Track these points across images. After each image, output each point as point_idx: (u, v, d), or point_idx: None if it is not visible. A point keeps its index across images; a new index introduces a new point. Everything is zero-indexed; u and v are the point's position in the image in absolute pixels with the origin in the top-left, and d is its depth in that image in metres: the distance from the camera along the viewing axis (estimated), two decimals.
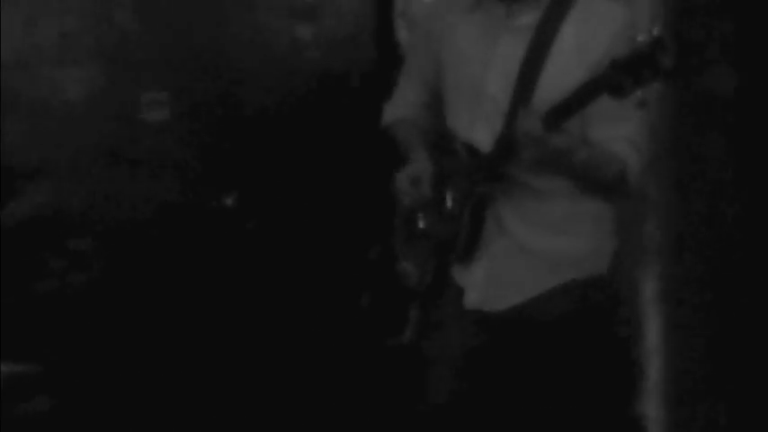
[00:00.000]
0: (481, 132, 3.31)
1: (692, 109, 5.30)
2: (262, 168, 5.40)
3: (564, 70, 3.21)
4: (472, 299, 3.38)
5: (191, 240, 5.30)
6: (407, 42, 3.53)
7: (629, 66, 2.91)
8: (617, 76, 2.93)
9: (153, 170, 5.32)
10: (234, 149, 5.37)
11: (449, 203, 3.36)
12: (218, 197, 5.37)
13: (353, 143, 5.31)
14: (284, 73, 5.46)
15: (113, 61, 5.28)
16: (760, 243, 5.31)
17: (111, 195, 5.25)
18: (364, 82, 5.42)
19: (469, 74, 3.33)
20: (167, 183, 5.33)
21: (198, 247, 5.30)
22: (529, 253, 3.34)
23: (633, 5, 4.95)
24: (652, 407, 5.06)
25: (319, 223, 5.31)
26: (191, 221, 5.32)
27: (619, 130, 3.25)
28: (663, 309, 5.08)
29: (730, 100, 5.36)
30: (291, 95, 5.44)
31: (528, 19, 3.28)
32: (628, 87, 2.94)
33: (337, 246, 5.22)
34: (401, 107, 3.59)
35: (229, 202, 5.35)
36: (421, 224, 3.43)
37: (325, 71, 5.48)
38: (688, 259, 5.22)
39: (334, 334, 5.18)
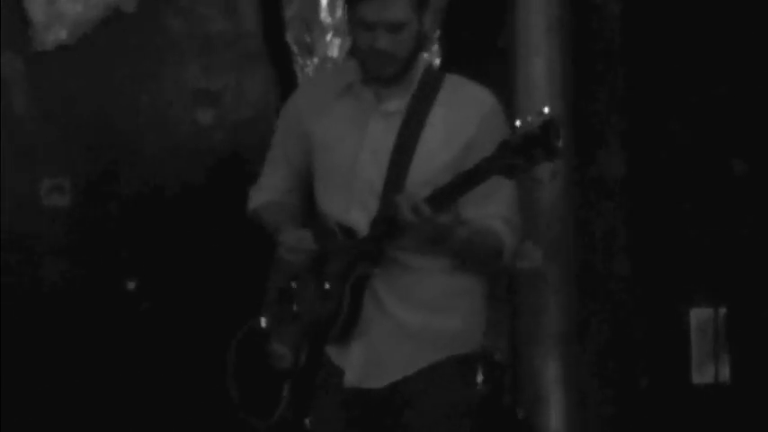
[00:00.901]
0: (356, 214, 3.33)
1: (588, 194, 5.39)
2: (164, 251, 5.37)
3: (434, 152, 3.27)
4: (351, 378, 3.38)
5: (91, 323, 5.26)
6: (277, 124, 3.54)
7: (521, 146, 2.97)
8: (508, 158, 2.99)
9: (54, 255, 5.28)
10: (135, 233, 5.34)
11: (326, 283, 3.34)
12: (119, 281, 5.33)
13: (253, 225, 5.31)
14: (186, 157, 5.45)
15: (10, 147, 5.26)
16: (657, 324, 5.39)
17: (12, 282, 5.19)
18: None
19: (342, 158, 3.37)
20: (66, 267, 5.29)
21: (99, 329, 5.26)
22: (407, 331, 3.35)
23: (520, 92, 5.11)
24: None
25: (223, 302, 5.30)
26: (92, 305, 5.28)
27: (490, 209, 3.31)
28: (564, 390, 5.11)
29: (621, 185, 5.46)
30: (194, 179, 5.44)
31: (397, 104, 3.33)
32: (519, 167, 3.00)
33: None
34: (267, 191, 3.58)
35: (131, 286, 5.32)
36: (295, 306, 3.41)
37: (226, 155, 5.48)
38: (588, 342, 5.28)
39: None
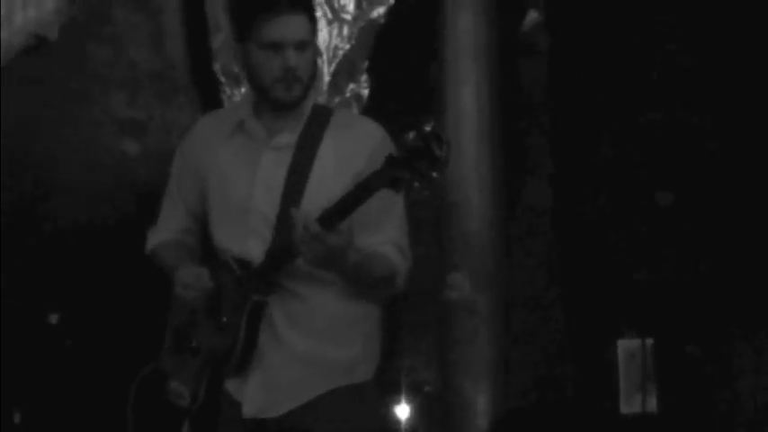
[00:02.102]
0: (252, 247, 3.37)
1: (518, 225, 5.41)
2: (87, 286, 5.30)
3: (326, 183, 3.29)
4: (248, 409, 3.38)
5: (12, 357, 5.16)
6: (172, 168, 3.59)
7: (406, 159, 3.02)
8: (394, 171, 3.04)
9: None
10: (59, 266, 5.27)
11: (224, 316, 3.36)
12: (42, 315, 5.25)
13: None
14: (111, 187, 5.40)
15: None
16: (586, 355, 5.41)
17: None
18: None
19: (236, 193, 3.42)
20: None
21: (21, 362, 5.17)
22: (301, 359, 3.38)
23: None
24: None
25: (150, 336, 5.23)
26: (13, 338, 5.19)
27: (382, 236, 3.36)
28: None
29: (550, 217, 5.50)
30: (119, 210, 5.38)
31: (288, 138, 3.40)
32: (405, 180, 3.04)
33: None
34: (163, 232, 3.62)
35: (53, 319, 5.24)
36: (194, 342, 3.42)
37: (152, 186, 5.43)
38: (517, 373, 5.29)
39: None
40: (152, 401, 3.44)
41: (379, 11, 5.43)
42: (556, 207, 5.52)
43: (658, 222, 5.32)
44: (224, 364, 3.37)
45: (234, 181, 3.41)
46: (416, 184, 3.01)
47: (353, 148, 3.31)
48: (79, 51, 5.44)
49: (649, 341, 5.36)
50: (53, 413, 5.21)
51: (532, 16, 5.55)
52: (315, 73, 3.38)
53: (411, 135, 2.99)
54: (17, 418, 5.15)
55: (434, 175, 2.99)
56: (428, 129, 2.99)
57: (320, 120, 3.40)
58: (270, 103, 3.38)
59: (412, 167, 3.00)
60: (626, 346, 5.41)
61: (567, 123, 5.50)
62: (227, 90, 5.50)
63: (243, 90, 5.47)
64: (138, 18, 5.52)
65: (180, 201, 3.57)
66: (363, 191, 3.12)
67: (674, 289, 5.36)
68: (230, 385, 3.41)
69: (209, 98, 5.52)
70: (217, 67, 5.51)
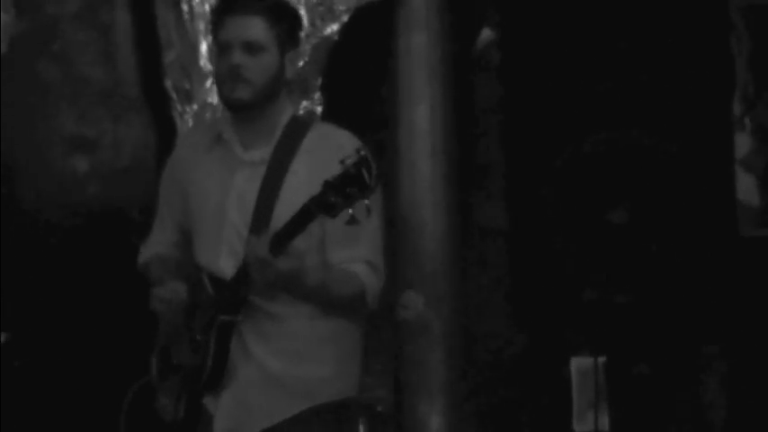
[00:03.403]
0: (225, 262, 3.40)
1: (472, 243, 5.41)
2: (36, 304, 5.23)
3: (297, 198, 3.28)
4: (219, 426, 3.41)
5: None
6: (160, 183, 3.63)
7: (339, 185, 3.05)
8: (328, 196, 3.07)
9: None
10: (9, 284, 5.20)
11: (197, 334, 3.40)
12: None
13: (135, 276, 5.21)
14: (61, 205, 5.34)
15: None
16: (539, 373, 5.41)
17: None
18: (145, 215, 5.33)
19: (211, 205, 3.46)
20: None
21: None
22: (272, 378, 3.40)
23: None
24: None
25: (99, 356, 5.19)
26: None
27: (353, 252, 3.38)
28: None
29: (506, 232, 5.50)
30: (69, 228, 5.33)
31: (261, 153, 3.43)
32: (339, 206, 3.06)
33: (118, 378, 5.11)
34: (154, 246, 3.68)
35: (2, 338, 5.18)
36: (174, 358, 3.47)
37: (102, 203, 5.39)
38: (471, 394, 5.28)
39: None
40: (144, 415, 3.51)
41: (333, 28, 5.40)
42: (510, 225, 5.52)
43: (612, 240, 5.34)
44: (198, 381, 3.40)
45: (210, 194, 3.46)
46: (350, 210, 3.04)
47: (326, 161, 3.29)
48: (27, 67, 5.38)
49: (602, 359, 5.37)
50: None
51: (486, 33, 5.55)
52: (272, 79, 3.40)
53: (346, 161, 3.03)
54: None
55: (365, 202, 3.03)
56: (361, 154, 3.03)
57: (295, 134, 3.44)
58: (226, 107, 3.43)
59: (344, 193, 3.04)
60: (579, 363, 5.41)
61: (521, 141, 5.50)
62: (179, 107, 5.45)
63: (194, 107, 5.44)
64: (89, 34, 5.47)
65: (167, 215, 3.63)
66: (304, 215, 3.15)
67: (626, 306, 5.38)
68: (208, 401, 3.44)
69: (160, 115, 5.47)
70: (168, 83, 5.46)
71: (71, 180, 5.40)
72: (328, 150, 3.35)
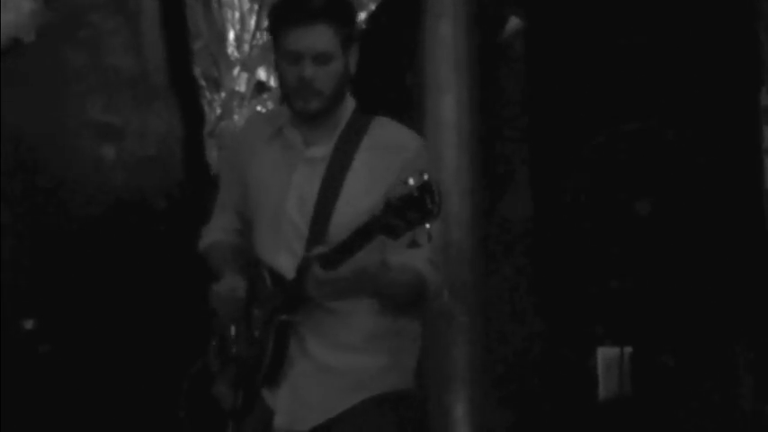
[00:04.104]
0: (284, 258, 3.38)
1: (496, 234, 5.41)
2: (63, 291, 5.26)
3: (357, 198, 3.29)
4: (280, 421, 3.41)
5: None
6: (219, 167, 3.60)
7: (399, 208, 3.00)
8: (389, 218, 3.02)
9: None
10: (36, 272, 5.23)
11: (255, 330, 3.40)
12: (16, 320, 5.21)
13: (160, 264, 5.24)
14: (88, 192, 5.36)
15: None
16: (560, 368, 5.42)
17: None
18: (171, 203, 5.36)
19: (270, 201, 3.44)
20: None
21: None
22: (331, 373, 3.39)
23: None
24: None
25: (124, 343, 5.21)
26: None
27: (415, 253, 3.29)
28: (472, 429, 5.10)
29: (528, 226, 5.50)
30: (95, 215, 5.34)
31: (323, 150, 3.39)
32: (400, 229, 3.02)
33: (143, 366, 5.14)
34: (215, 232, 3.66)
35: (29, 325, 5.21)
36: (234, 348, 3.47)
37: (129, 191, 5.41)
38: (496, 383, 5.28)
39: None
40: (202, 399, 3.53)
41: (360, 16, 5.41)
42: (535, 215, 5.52)
43: (637, 231, 5.33)
44: (255, 374, 3.41)
45: (268, 188, 3.44)
46: (409, 233, 3.00)
47: (387, 161, 3.30)
48: (55, 54, 5.40)
49: (628, 349, 5.37)
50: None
51: (514, 22, 5.54)
52: (341, 84, 3.35)
53: (408, 183, 2.97)
54: None
55: (426, 226, 2.98)
56: (425, 179, 2.96)
57: (357, 130, 3.39)
58: (297, 115, 3.39)
59: (405, 217, 2.99)
60: (605, 354, 5.41)
61: (546, 132, 5.49)
62: (207, 95, 5.47)
63: (222, 95, 5.46)
64: (116, 22, 5.49)
65: (228, 202, 3.62)
66: (362, 235, 3.12)
67: (652, 296, 5.37)
68: (266, 393, 3.43)
69: (188, 103, 5.49)
70: (197, 71, 5.48)
71: (98, 168, 5.42)
72: (389, 149, 3.34)
